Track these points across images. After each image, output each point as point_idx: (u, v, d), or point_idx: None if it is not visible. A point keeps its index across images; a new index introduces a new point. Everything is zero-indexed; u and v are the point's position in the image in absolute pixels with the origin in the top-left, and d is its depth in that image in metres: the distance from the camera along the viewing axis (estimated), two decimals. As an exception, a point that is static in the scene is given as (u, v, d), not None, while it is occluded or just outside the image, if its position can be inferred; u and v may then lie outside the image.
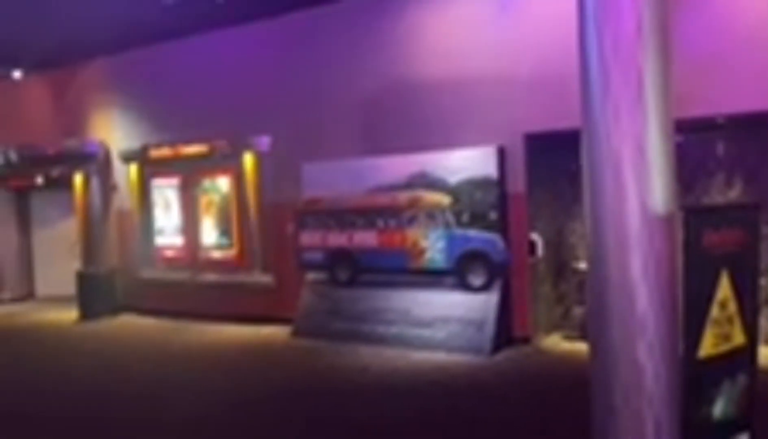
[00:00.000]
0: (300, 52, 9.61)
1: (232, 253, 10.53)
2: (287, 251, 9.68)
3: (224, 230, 10.63)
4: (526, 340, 7.89)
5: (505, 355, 7.58)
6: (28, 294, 13.82)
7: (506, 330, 7.86)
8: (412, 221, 8.35)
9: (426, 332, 8.02)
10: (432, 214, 8.18)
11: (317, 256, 9.22)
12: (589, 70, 3.47)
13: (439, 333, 7.93)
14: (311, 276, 9.34)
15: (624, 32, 3.37)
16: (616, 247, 3.39)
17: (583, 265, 7.93)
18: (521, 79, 7.79)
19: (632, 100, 3.33)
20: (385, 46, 8.83)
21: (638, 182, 3.33)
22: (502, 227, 7.85)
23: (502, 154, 7.86)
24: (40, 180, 12.80)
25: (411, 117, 8.59)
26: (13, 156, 12.65)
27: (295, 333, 9.06)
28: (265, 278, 10.09)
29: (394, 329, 8.27)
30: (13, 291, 13.72)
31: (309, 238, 9.29)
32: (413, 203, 8.32)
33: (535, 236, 7.89)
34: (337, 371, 7.28)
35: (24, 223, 13.98)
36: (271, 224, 10.03)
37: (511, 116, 7.83)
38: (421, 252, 8.27)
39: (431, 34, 8.50)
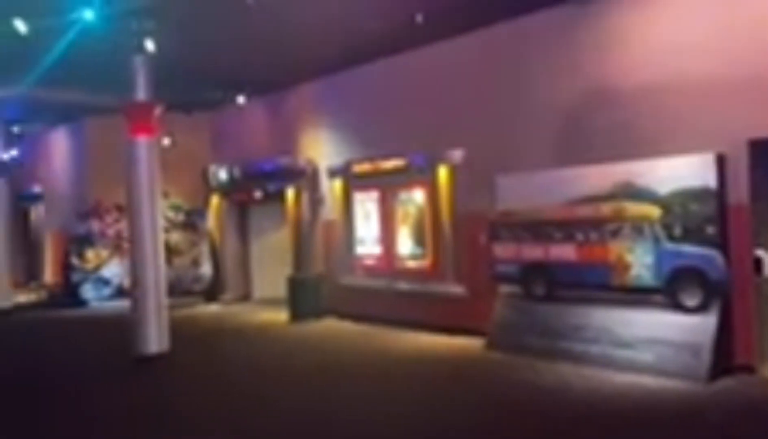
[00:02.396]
0: (494, 64, 9.64)
1: (425, 263, 10.81)
2: (480, 262, 9.69)
3: (419, 241, 10.96)
4: (749, 369, 7.03)
5: (725, 384, 6.82)
6: (246, 296, 15.39)
7: (726, 357, 7.07)
8: (615, 234, 7.90)
9: (631, 354, 7.51)
10: (639, 227, 7.66)
11: (511, 269, 9.11)
12: None
13: (645, 355, 7.38)
14: (505, 289, 9.25)
15: None
16: None
17: (824, 287, 6.89)
18: (744, 79, 7.01)
19: None
20: (584, 52, 8.51)
21: None
22: (721, 241, 7.11)
23: (721, 163, 7.14)
24: (258, 194, 14.28)
25: (614, 124, 8.16)
26: (237, 173, 14.28)
27: (489, 346, 9.02)
28: (457, 289, 10.21)
29: (594, 348, 7.87)
30: (234, 293, 15.39)
31: (502, 250, 9.21)
32: (617, 215, 7.87)
33: (762, 253, 7.02)
34: (535, 388, 7.10)
35: (243, 233, 15.62)
36: (463, 235, 10.13)
37: (732, 121, 7.08)
38: (626, 268, 7.78)
39: (637, 35, 8.02)
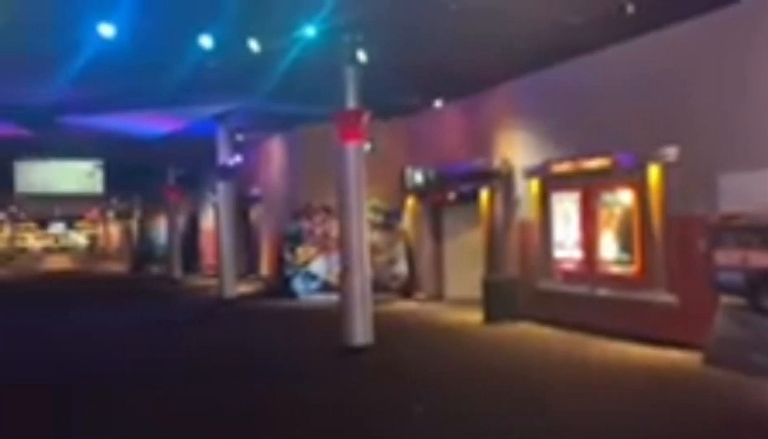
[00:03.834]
0: (714, 51, 8.77)
1: (632, 269, 10.16)
2: (695, 270, 8.87)
3: (625, 245, 10.33)
4: None
5: None
6: (438, 295, 15.69)
7: None
8: None
9: None
10: None
11: (736, 277, 8.19)
12: None
13: None
14: (726, 300, 8.36)
15: None
16: None
17: None
18: None
19: None
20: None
21: None
22: None
23: None
24: (452, 195, 14.50)
25: None
26: (432, 175, 14.65)
27: (707, 361, 8.21)
28: (667, 298, 9.45)
29: (844, 373, 6.81)
30: (427, 292, 15.79)
31: (725, 257, 8.32)
32: None
33: None
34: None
35: (437, 233, 15.95)
36: (676, 240, 9.34)
37: None
38: None
39: None
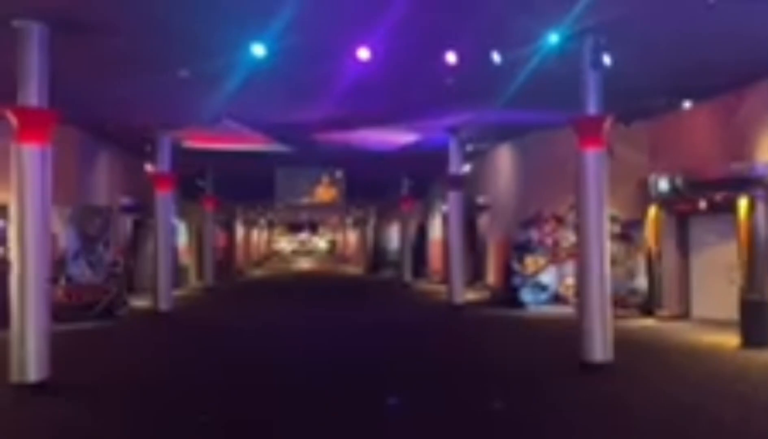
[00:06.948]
0: None
1: None
2: None
3: None
4: None
5: None
6: (683, 314, 14.33)
7: None
8: None
9: None
10: None
11: None
12: None
13: None
14: None
15: None
16: None
17: None
18: None
19: None
20: None
21: None
22: None
23: None
24: (702, 204, 13.17)
25: None
26: (679, 182, 13.47)
27: None
28: None
29: None
30: (671, 309, 14.50)
31: None
32: None
33: None
34: None
35: (683, 245, 14.61)
36: None
37: None
38: None
39: None
